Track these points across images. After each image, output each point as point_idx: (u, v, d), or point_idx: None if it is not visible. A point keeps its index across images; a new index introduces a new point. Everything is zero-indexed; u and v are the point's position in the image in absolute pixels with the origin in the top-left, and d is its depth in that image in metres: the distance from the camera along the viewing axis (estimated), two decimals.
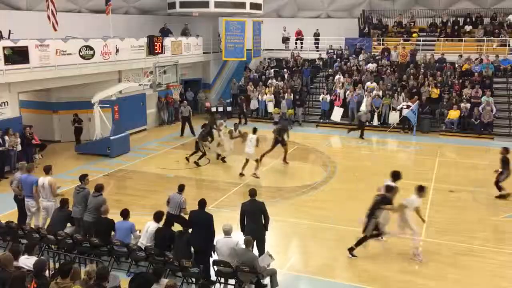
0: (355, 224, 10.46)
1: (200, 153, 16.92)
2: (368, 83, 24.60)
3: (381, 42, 28.71)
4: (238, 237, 8.76)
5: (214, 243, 8.75)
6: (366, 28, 30.06)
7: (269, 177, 15.69)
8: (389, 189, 9.89)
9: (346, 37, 29.33)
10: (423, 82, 24.17)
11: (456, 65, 25.37)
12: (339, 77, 25.73)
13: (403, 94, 23.16)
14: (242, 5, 26.29)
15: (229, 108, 25.74)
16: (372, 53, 28.03)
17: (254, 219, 9.25)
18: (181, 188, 10.23)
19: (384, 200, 9.71)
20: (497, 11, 28.53)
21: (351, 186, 14.62)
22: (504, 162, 13.38)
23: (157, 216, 9.40)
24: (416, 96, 22.72)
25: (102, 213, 9.53)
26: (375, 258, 9.98)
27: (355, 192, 13.83)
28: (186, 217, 9.48)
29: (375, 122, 23.27)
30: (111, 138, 17.94)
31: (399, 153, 20.12)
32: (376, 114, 23.18)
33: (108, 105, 18.44)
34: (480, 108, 21.88)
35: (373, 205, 9.80)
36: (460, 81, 23.98)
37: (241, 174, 15.58)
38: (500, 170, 13.44)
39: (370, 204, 9.87)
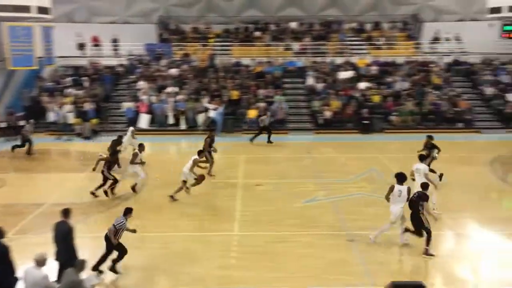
0: (172, 230, 10.43)
1: None
2: (172, 88, 24.87)
3: (181, 47, 29.31)
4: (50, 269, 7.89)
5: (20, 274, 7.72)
6: (165, 34, 30.35)
7: (82, 193, 14.59)
8: (424, 186, 10.48)
9: (146, 43, 29.13)
10: (224, 85, 25.51)
11: (251, 68, 27.43)
12: (142, 83, 25.41)
13: (206, 97, 24.07)
14: (26, 9, 23.83)
15: (21, 122, 23.12)
16: (173, 58, 28.43)
17: (58, 241, 8.57)
18: None
19: (423, 197, 10.23)
20: (281, 19, 31.75)
21: (163, 194, 14.50)
22: (428, 147, 14.66)
23: None
24: (218, 99, 23.85)
25: None
26: (195, 259, 10.11)
27: (163, 198, 13.78)
28: None
29: (183, 126, 23.65)
30: None
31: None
32: (183, 118, 23.55)
33: None
34: (274, 107, 24.06)
35: (415, 204, 10.17)
36: (255, 82, 26.00)
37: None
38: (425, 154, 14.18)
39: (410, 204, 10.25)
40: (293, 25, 31.18)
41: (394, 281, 7.45)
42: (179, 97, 24.13)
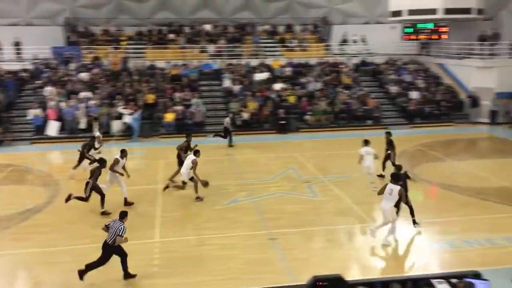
0: (88, 241, 9.97)
1: None
2: (84, 93, 23.79)
3: (91, 50, 28.12)
4: None
5: None
6: (73, 37, 28.95)
7: None
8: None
9: (53, 46, 27.59)
10: (139, 89, 24.85)
11: (166, 71, 26.99)
12: (50, 88, 24.03)
13: (120, 102, 23.29)
14: None
15: None
16: (83, 62, 27.20)
17: None
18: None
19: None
20: (195, 21, 31.56)
21: (78, 204, 13.82)
22: (390, 143, 15.43)
23: None
24: (133, 103, 23.18)
25: None
26: (115, 271, 9.71)
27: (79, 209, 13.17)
28: None
29: (97, 132, 22.64)
30: None
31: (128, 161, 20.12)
32: (96, 124, 22.58)
33: None
34: (191, 109, 23.87)
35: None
36: (171, 85, 25.62)
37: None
38: (388, 151, 15.47)
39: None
40: (208, 27, 31.14)
41: (316, 275, 7.68)
42: (92, 102, 23.14)
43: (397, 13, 28.29)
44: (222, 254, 10.54)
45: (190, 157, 13.79)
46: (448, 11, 26.42)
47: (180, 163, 14.86)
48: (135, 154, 20.52)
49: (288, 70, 27.98)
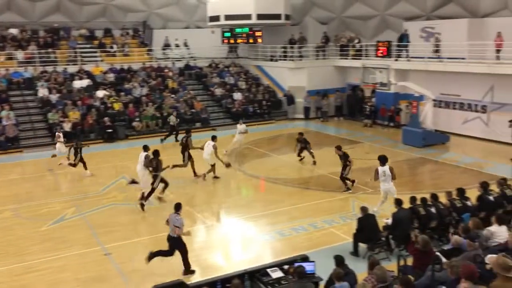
0: None
1: None
2: None
3: None
4: None
5: None
6: None
7: None
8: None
9: None
10: None
11: None
12: None
13: None
14: None
15: None
16: None
17: None
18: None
19: None
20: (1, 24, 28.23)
21: None
22: (343, 157, 14.61)
23: None
24: None
25: None
26: None
27: None
28: None
29: None
30: None
31: None
32: None
33: None
34: (2, 123, 21.35)
35: None
36: None
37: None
38: (343, 165, 14.62)
39: None
40: (14, 31, 28.13)
41: (156, 285, 7.55)
42: None
43: (214, 18, 29.36)
44: (54, 278, 9.69)
45: (210, 143, 15.61)
46: (260, 16, 28.35)
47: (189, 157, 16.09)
48: None
49: (110, 76, 26.91)
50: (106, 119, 23.04)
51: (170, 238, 9.63)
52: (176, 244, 9.60)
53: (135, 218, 12.97)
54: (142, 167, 13.57)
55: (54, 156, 18.06)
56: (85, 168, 17.12)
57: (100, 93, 25.05)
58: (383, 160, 12.19)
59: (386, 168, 12.06)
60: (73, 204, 14.08)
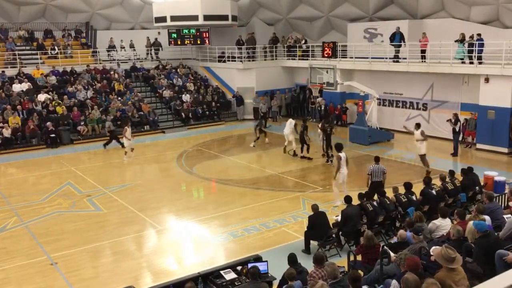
0: None
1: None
2: None
3: None
4: None
5: None
6: None
7: None
8: None
9: None
10: None
11: None
12: None
13: None
14: None
15: None
16: None
17: None
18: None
19: None
20: None
21: None
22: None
23: None
24: None
25: None
26: None
27: None
28: None
29: None
30: None
31: None
32: None
33: None
34: None
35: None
36: None
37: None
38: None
39: None
40: None
41: None
42: None
43: (160, 19, 28.92)
44: None
45: (291, 121, 18.51)
46: (207, 17, 28.22)
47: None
48: None
49: (52, 79, 25.90)
50: (48, 123, 22.12)
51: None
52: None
53: (83, 225, 12.55)
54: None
55: None
56: None
57: (42, 97, 24.07)
58: (338, 147, 13.58)
59: (343, 154, 13.30)
60: (14, 214, 13.42)
